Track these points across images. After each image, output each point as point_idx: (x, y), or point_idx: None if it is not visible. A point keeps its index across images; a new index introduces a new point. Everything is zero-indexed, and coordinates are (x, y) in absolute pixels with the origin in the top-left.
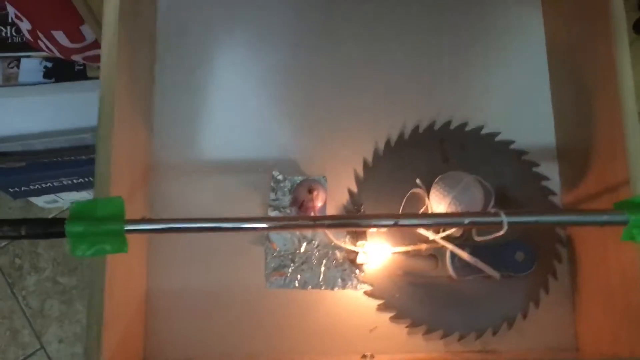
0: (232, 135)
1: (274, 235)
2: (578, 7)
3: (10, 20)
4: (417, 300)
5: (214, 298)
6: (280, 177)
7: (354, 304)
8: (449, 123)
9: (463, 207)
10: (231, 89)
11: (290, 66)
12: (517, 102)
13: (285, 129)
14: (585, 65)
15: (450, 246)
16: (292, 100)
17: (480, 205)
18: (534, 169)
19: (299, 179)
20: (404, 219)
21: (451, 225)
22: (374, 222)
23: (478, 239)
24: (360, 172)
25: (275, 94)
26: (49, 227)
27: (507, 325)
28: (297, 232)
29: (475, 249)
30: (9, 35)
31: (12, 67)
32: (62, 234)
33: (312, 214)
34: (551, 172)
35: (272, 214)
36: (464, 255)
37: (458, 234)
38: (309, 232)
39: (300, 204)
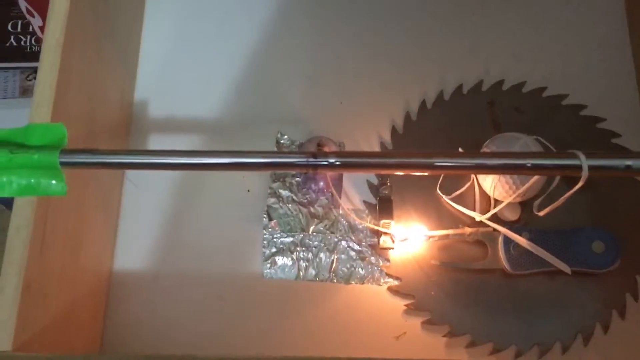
0: (231, 92)
1: (275, 211)
2: None
3: (28, 27)
4: (459, 300)
5: (196, 285)
6: (285, 140)
7: (375, 302)
8: (500, 83)
9: (520, 179)
10: (231, 42)
11: (304, 15)
12: (588, 60)
13: (295, 89)
14: None
15: (503, 229)
16: (303, 55)
17: (543, 177)
18: (613, 140)
19: None
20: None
21: (506, 169)
22: (391, 160)
23: (540, 213)
24: (388, 139)
25: (284, 47)
26: None
27: (582, 339)
28: (305, 210)
29: (537, 236)
30: (27, 44)
31: (30, 80)
32: None
33: (323, 180)
34: (636, 144)
35: (274, 185)
36: (523, 241)
37: (514, 218)
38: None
39: None
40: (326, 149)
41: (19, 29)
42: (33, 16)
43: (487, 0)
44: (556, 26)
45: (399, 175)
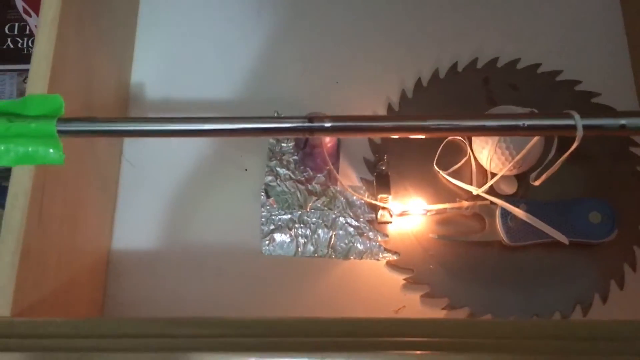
0: (227, 75)
1: (273, 189)
2: None
3: (25, 29)
4: (458, 273)
5: (197, 262)
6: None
7: (373, 277)
8: (495, 60)
9: (515, 148)
10: (227, 24)
11: None
12: (581, 36)
13: (291, 69)
14: None
15: (500, 201)
16: (298, 36)
17: (539, 147)
18: None
19: None
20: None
21: (502, 130)
22: (387, 123)
23: (536, 182)
24: None
25: (279, 28)
26: None
27: (581, 310)
28: (302, 187)
29: (535, 207)
30: (24, 46)
31: (27, 82)
32: None
33: (320, 157)
34: None
35: (271, 163)
36: (520, 213)
37: (511, 191)
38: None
39: (304, 142)
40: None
41: (15, 32)
42: (30, 15)
43: None
44: (549, 3)
45: (396, 151)
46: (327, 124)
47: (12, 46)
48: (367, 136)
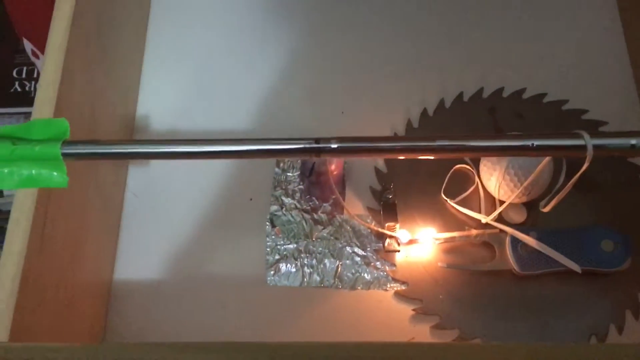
0: (232, 105)
1: (278, 218)
2: None
3: (32, 73)
4: (468, 303)
5: (200, 292)
6: None
7: (381, 307)
8: (500, 90)
9: (524, 175)
10: (233, 55)
11: (305, 26)
12: (586, 65)
13: (296, 99)
14: None
15: (510, 229)
16: (304, 66)
17: (548, 174)
18: None
19: None
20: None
21: (511, 150)
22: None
23: (545, 208)
24: None
25: (285, 58)
26: None
27: (596, 341)
28: (308, 216)
29: (545, 235)
30: (31, 89)
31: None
32: None
33: (326, 186)
34: None
35: (277, 192)
36: (531, 240)
37: (520, 220)
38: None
39: (310, 170)
40: (328, 161)
41: (23, 75)
42: (38, 57)
43: (485, 10)
44: (553, 33)
45: (402, 180)
46: (334, 145)
47: (19, 89)
48: (374, 157)
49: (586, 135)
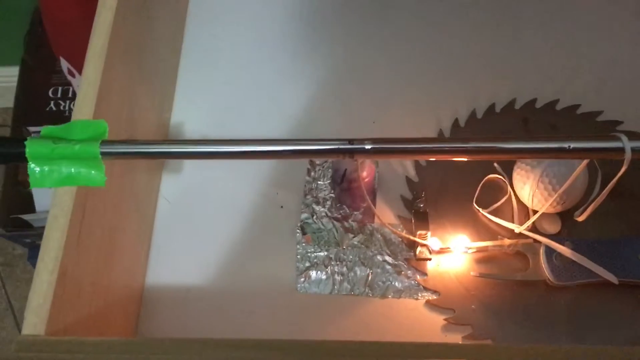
0: (264, 115)
1: (309, 226)
2: None
3: (67, 93)
4: (501, 314)
5: (230, 299)
6: (319, 159)
7: (412, 317)
8: (533, 101)
9: (558, 183)
10: (266, 66)
11: (336, 38)
12: (619, 76)
13: (327, 109)
14: None
15: (544, 239)
16: (335, 76)
17: (583, 185)
18: None
19: None
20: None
21: (547, 152)
22: (429, 145)
23: (580, 217)
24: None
25: (317, 70)
26: (5, 147)
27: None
28: (338, 224)
29: (581, 245)
30: (66, 108)
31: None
32: (21, 157)
33: (358, 194)
34: None
35: (307, 200)
36: (566, 250)
37: (554, 231)
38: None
39: (341, 177)
40: (360, 160)
41: (59, 95)
42: (74, 76)
43: (518, 21)
44: (587, 44)
45: (434, 189)
46: (368, 146)
47: (54, 109)
48: (408, 158)
49: (624, 138)
